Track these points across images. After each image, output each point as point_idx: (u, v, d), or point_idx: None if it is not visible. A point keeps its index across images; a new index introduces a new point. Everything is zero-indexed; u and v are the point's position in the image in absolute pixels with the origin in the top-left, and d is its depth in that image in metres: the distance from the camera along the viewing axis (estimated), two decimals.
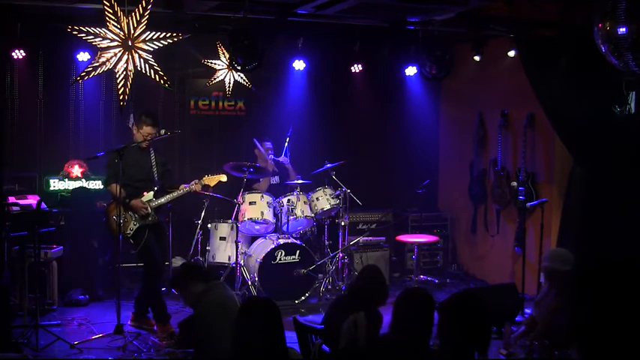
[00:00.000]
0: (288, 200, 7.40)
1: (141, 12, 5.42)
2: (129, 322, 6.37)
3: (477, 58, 7.42)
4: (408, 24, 6.99)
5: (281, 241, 7.25)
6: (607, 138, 6.78)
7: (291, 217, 7.33)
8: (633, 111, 6.61)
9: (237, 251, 7.11)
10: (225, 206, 7.76)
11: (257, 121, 8.76)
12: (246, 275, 7.21)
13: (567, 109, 6.95)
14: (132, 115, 7.40)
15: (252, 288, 7.13)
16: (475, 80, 8.60)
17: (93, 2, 5.89)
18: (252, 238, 7.77)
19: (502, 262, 8.30)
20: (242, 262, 7.24)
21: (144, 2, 5.38)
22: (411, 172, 9.08)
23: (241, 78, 7.89)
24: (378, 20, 7.12)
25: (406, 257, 8.70)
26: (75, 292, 7.15)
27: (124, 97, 5.57)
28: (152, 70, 5.60)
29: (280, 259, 7.20)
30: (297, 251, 7.28)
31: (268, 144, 8.18)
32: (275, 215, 7.46)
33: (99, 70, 5.56)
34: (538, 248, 6.83)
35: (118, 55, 5.51)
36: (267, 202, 7.39)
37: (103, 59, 5.53)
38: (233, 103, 8.87)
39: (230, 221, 7.49)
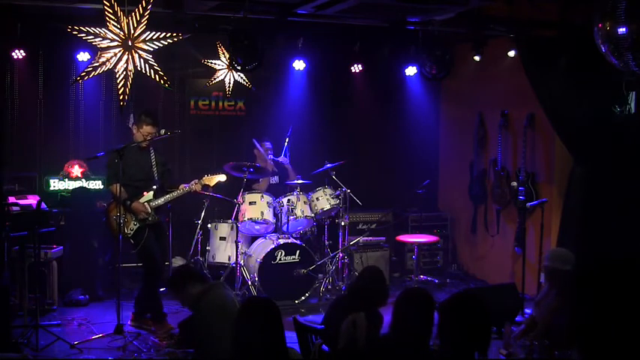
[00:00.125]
0: (288, 200, 7.40)
1: (141, 12, 5.42)
2: (129, 322, 6.37)
3: (477, 58, 7.42)
4: (408, 24, 6.99)
5: (281, 241, 7.25)
6: (607, 138, 6.78)
7: (291, 217, 7.33)
8: (633, 111, 6.61)
9: (237, 251, 7.11)
10: (225, 206, 7.76)
11: (257, 121, 8.76)
12: (246, 275, 7.21)
13: (567, 109, 6.95)
14: (132, 115, 7.40)
15: (252, 288, 7.13)
16: (475, 80, 8.60)
17: (93, 2, 5.89)
18: (252, 238, 7.77)
19: (502, 262, 8.30)
20: (242, 262, 7.24)
21: (144, 2, 5.38)
22: (411, 172, 9.08)
23: (241, 78, 7.89)
24: (378, 20, 7.12)
25: (406, 257, 8.70)
26: (75, 292, 7.15)
27: (124, 97, 5.57)
28: (152, 70, 5.61)
29: (280, 259, 7.20)
30: (297, 251, 7.28)
31: (268, 144, 8.18)
32: (275, 215, 7.46)
33: (99, 70, 5.56)
34: (538, 248, 6.83)
35: (118, 55, 5.51)
36: (267, 202, 7.39)
37: (103, 59, 5.53)
38: (233, 103, 8.87)
39: (230, 221, 7.49)
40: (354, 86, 9.18)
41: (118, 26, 5.41)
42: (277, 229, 7.50)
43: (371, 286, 4.49)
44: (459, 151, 9.18)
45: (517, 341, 4.71)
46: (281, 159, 8.22)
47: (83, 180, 7.74)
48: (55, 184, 7.69)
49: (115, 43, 5.47)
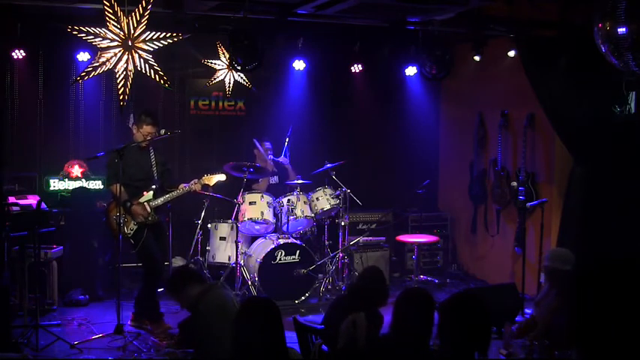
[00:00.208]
0: (288, 200, 7.40)
1: (141, 12, 5.42)
2: (129, 322, 6.37)
3: (477, 58, 7.42)
4: (408, 24, 6.99)
5: (281, 241, 7.25)
6: (607, 138, 6.78)
7: (291, 217, 7.33)
8: (633, 111, 6.61)
9: (237, 251, 7.11)
10: (225, 206, 7.76)
11: (257, 121, 8.76)
12: (246, 275, 7.21)
13: (567, 109, 6.95)
14: (132, 115, 7.40)
15: (252, 288, 7.13)
16: (475, 80, 8.60)
17: (93, 2, 5.89)
18: (252, 238, 7.77)
19: (502, 262, 8.30)
20: (242, 262, 7.24)
21: (144, 2, 5.38)
22: (411, 172, 9.08)
23: (241, 78, 7.89)
24: (378, 20, 7.12)
25: (406, 257, 8.70)
26: (75, 292, 7.15)
27: (124, 97, 5.57)
28: (152, 70, 5.61)
29: (280, 259, 7.20)
30: (297, 251, 7.28)
31: (268, 144, 8.18)
32: (275, 215, 7.46)
33: (99, 70, 5.56)
34: (538, 248, 6.82)
35: (118, 55, 5.51)
36: (267, 202, 7.39)
37: (103, 59, 5.53)
38: (233, 103, 8.86)
39: (230, 221, 7.49)
40: (354, 86, 9.18)
41: (118, 26, 5.42)
42: (277, 229, 7.50)
43: (371, 286, 4.49)
44: (459, 151, 9.18)
45: (520, 328, 4.71)
46: (281, 159, 8.22)
47: (83, 180, 7.74)
48: (55, 184, 7.69)
49: (115, 43, 5.47)
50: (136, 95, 7.48)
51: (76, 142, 8.17)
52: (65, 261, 7.17)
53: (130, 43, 5.48)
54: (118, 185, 6.08)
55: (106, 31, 5.42)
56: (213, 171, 6.83)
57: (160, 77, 5.65)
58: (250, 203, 7.33)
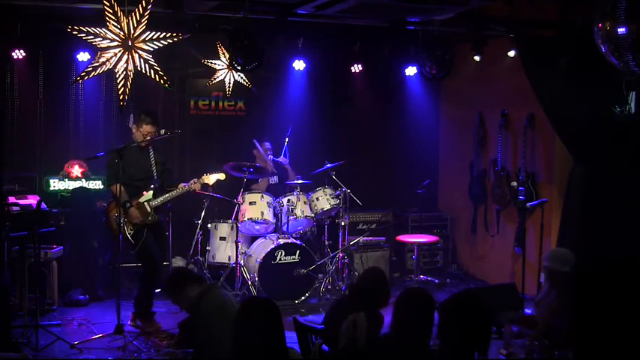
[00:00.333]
0: (288, 200, 7.40)
1: (141, 12, 5.42)
2: (129, 322, 6.37)
3: (477, 58, 7.42)
4: (408, 24, 6.99)
5: (281, 241, 7.25)
6: (607, 138, 6.78)
7: (291, 217, 7.33)
8: (633, 111, 6.61)
9: (237, 251, 7.12)
10: (225, 206, 7.76)
11: (257, 121, 8.76)
12: (246, 275, 7.21)
13: (567, 109, 6.95)
14: (132, 115, 7.40)
15: (252, 288, 7.13)
16: (475, 80, 8.60)
17: (93, 2, 5.89)
18: (252, 238, 7.78)
19: (502, 262, 8.30)
20: (242, 262, 7.25)
21: (144, 2, 5.38)
22: (411, 172, 9.08)
23: (241, 78, 7.89)
24: (378, 20, 7.12)
25: (406, 257, 8.70)
26: (75, 292, 7.15)
27: (124, 97, 5.57)
28: (152, 70, 5.61)
29: (280, 259, 7.20)
30: (297, 251, 7.28)
31: (267, 144, 8.18)
32: (275, 215, 7.46)
33: (99, 70, 5.56)
34: (538, 248, 6.82)
35: (118, 55, 5.51)
36: (267, 202, 7.40)
37: (103, 59, 5.53)
38: (233, 103, 8.86)
39: (230, 221, 7.49)
40: (354, 86, 9.18)
41: (118, 26, 5.41)
42: (277, 229, 7.50)
43: (372, 287, 4.49)
44: (459, 151, 9.18)
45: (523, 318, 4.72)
46: (280, 159, 8.22)
47: (83, 180, 7.74)
48: (55, 184, 7.69)
49: (115, 43, 5.47)
50: (136, 95, 7.47)
51: (76, 142, 8.17)
52: (65, 261, 7.17)
53: (130, 43, 5.48)
54: (118, 185, 6.09)
55: (106, 31, 5.42)
56: (213, 171, 6.83)
57: (160, 77, 5.65)
58: (250, 203, 7.34)
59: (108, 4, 5.33)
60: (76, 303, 7.08)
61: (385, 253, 8.30)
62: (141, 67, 5.56)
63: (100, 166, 6.96)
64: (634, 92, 6.56)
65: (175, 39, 5.63)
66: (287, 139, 8.21)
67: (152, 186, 6.37)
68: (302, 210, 7.43)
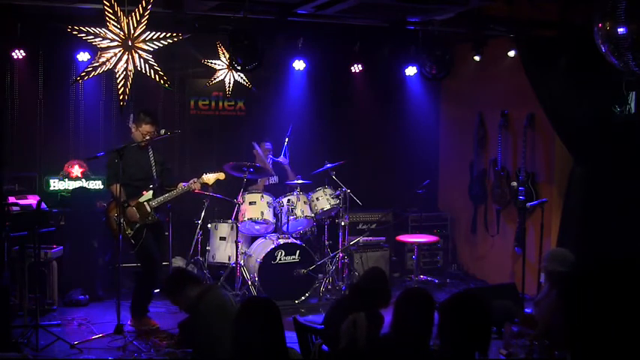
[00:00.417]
0: (288, 200, 7.40)
1: (141, 12, 5.42)
2: (129, 322, 6.37)
3: (477, 58, 7.42)
4: (408, 24, 6.99)
5: (281, 241, 7.25)
6: (607, 138, 6.78)
7: (291, 217, 7.33)
8: (633, 111, 6.61)
9: (237, 251, 7.11)
10: (225, 206, 7.76)
11: (257, 121, 8.76)
12: (246, 275, 7.21)
13: (567, 109, 6.95)
14: (132, 115, 7.38)
15: (252, 288, 7.13)
16: (475, 80, 8.60)
17: (93, 2, 5.89)
18: (252, 238, 7.78)
19: (502, 262, 8.30)
20: (242, 262, 7.25)
21: (144, 2, 5.38)
22: (411, 172, 9.08)
23: (241, 78, 7.89)
24: (378, 20, 7.12)
25: (406, 257, 8.70)
26: (75, 292, 7.15)
27: (124, 97, 5.57)
28: (152, 70, 5.61)
29: (280, 259, 7.20)
30: (297, 251, 7.28)
31: (268, 145, 8.19)
32: (275, 215, 7.46)
33: (99, 70, 5.56)
34: (538, 248, 6.82)
35: (118, 55, 5.51)
36: (267, 202, 7.40)
37: (103, 59, 5.53)
38: (233, 103, 8.86)
39: (230, 221, 7.49)
40: (354, 86, 9.18)
41: (118, 26, 5.41)
42: (277, 229, 7.50)
43: (372, 287, 4.49)
44: (459, 151, 9.18)
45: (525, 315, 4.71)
46: (280, 159, 8.22)
47: (83, 180, 7.74)
48: (55, 184, 7.69)
49: (115, 43, 5.47)
50: (136, 95, 7.47)
51: (76, 142, 8.17)
52: (65, 261, 7.17)
53: (130, 43, 5.48)
54: (118, 185, 6.09)
55: (106, 31, 5.42)
56: (213, 171, 6.83)
57: (160, 77, 5.65)
58: (250, 203, 7.34)
59: (108, 4, 5.33)
60: (76, 303, 7.08)
61: (385, 253, 8.30)
62: (141, 67, 5.56)
63: (100, 166, 6.96)
64: (634, 92, 6.56)
65: (175, 39, 5.63)
66: (287, 139, 8.21)
67: (152, 186, 6.37)
68: (302, 210, 7.43)
